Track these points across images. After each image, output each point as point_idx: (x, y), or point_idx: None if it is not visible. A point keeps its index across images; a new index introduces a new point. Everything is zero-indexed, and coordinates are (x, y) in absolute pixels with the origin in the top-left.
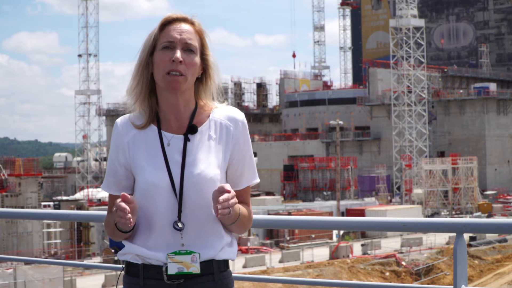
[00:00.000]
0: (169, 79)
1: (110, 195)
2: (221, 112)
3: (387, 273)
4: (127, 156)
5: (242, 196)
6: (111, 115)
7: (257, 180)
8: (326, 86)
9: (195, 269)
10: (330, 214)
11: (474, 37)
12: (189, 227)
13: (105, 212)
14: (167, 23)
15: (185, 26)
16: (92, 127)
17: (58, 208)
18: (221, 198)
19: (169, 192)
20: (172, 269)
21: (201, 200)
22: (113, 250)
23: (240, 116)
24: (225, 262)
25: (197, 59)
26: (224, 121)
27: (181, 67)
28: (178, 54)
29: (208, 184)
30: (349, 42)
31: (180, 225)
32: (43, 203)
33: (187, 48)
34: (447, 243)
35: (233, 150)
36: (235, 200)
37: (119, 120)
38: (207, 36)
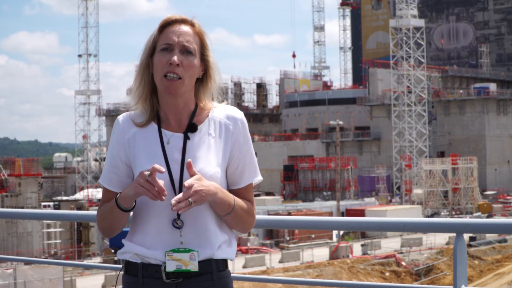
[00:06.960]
0: (166, 83)
1: (105, 190)
2: (220, 111)
3: (387, 273)
4: (127, 153)
5: (244, 194)
6: (111, 115)
7: (259, 178)
8: (326, 86)
9: (193, 267)
10: (330, 214)
11: (474, 37)
12: (188, 225)
13: None
14: (166, 25)
15: (184, 28)
16: (92, 127)
17: (58, 208)
18: (186, 182)
19: (169, 190)
20: (171, 267)
21: None
22: (113, 250)
23: (239, 114)
24: (224, 262)
25: (196, 61)
26: (223, 120)
27: (178, 69)
28: (175, 57)
29: None
30: (349, 42)
31: (179, 223)
32: (43, 203)
33: (185, 50)
34: (447, 243)
35: (233, 149)
36: (201, 187)
37: (120, 117)
38: (207, 37)
